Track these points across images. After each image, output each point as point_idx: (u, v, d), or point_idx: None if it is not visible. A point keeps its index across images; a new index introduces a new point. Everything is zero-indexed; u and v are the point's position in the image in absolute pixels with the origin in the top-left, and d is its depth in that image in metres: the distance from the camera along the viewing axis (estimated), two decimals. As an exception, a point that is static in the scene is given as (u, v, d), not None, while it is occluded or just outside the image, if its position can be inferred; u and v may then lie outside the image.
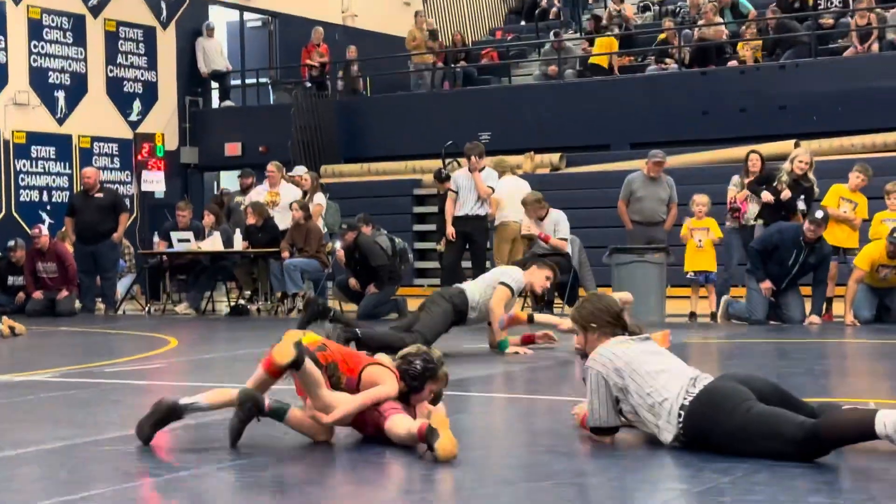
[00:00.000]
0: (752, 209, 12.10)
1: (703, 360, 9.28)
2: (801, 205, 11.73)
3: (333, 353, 5.22)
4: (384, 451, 4.75)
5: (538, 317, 9.19)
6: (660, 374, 4.69)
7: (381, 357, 5.42)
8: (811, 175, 11.97)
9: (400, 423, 4.82)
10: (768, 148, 15.04)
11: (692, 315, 12.04)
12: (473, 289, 8.81)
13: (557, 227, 12.36)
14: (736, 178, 12.47)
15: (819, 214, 10.94)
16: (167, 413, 5.08)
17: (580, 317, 5.02)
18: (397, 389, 5.05)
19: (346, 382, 5.14)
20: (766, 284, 11.17)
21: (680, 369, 4.76)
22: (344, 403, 4.92)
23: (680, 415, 4.58)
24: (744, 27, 18.45)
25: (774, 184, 11.84)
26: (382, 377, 5.09)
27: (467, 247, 12.95)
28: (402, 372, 5.09)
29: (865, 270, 11.02)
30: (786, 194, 11.73)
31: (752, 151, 12.57)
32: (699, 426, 4.54)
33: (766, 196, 11.82)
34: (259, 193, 15.21)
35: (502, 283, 8.72)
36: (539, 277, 8.94)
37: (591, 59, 19.65)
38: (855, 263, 11.17)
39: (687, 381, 4.66)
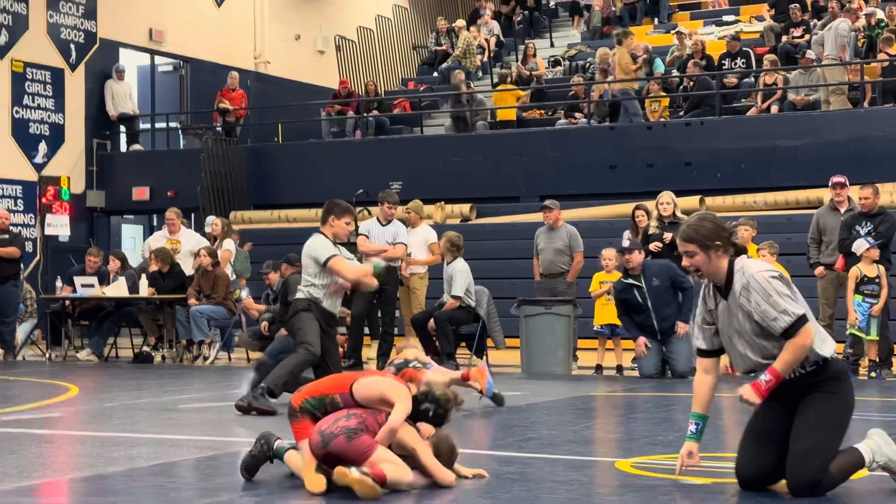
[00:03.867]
0: (638, 259, 12.36)
1: (607, 413, 9.36)
2: None
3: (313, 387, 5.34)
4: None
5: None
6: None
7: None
8: (679, 213, 12.35)
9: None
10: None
11: (598, 368, 12.15)
12: (304, 283, 8.56)
13: (453, 279, 12.31)
14: (627, 234, 12.77)
15: (625, 243, 11.67)
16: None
17: (701, 235, 4.96)
18: (409, 401, 5.14)
19: (341, 400, 5.17)
20: (640, 342, 11.34)
21: None
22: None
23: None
24: (650, 83, 18.80)
25: (650, 233, 12.18)
26: (393, 392, 5.14)
27: (376, 296, 12.89)
28: (423, 411, 5.18)
29: None
30: (667, 236, 12.01)
31: (638, 207, 12.84)
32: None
33: (654, 246, 12.12)
34: (157, 240, 15.05)
35: (331, 257, 8.38)
36: (340, 227, 8.44)
37: (500, 113, 19.86)
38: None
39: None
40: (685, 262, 5.03)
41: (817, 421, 4.79)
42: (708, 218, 5.06)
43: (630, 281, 11.36)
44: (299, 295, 8.60)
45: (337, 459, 4.91)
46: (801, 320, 4.78)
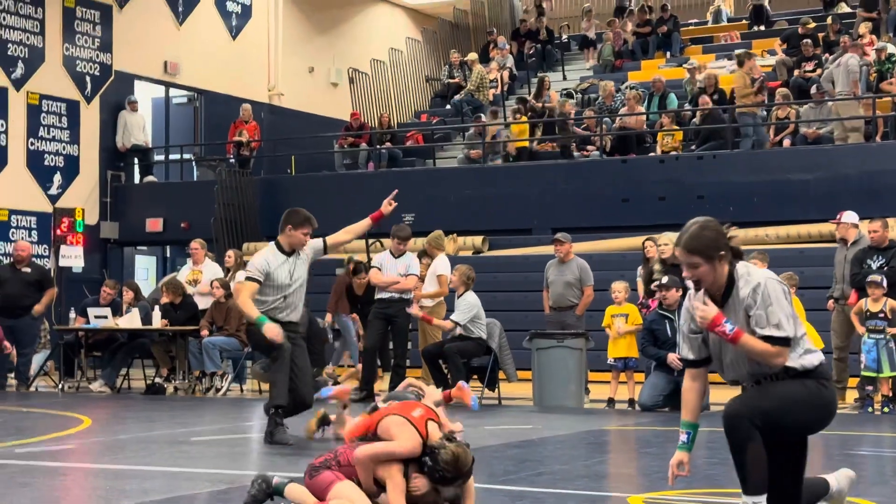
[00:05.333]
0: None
1: (619, 447, 9.35)
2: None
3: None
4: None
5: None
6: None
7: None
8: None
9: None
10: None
11: (610, 401, 12.13)
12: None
13: (458, 307, 12.39)
14: (640, 270, 12.76)
15: (664, 279, 11.44)
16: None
17: (705, 246, 4.68)
18: (413, 446, 5.04)
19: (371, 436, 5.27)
20: (672, 356, 11.29)
21: None
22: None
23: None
24: (662, 118, 18.85)
25: (654, 276, 12.17)
26: (397, 432, 5.11)
27: (389, 329, 12.91)
28: (422, 462, 5.05)
29: None
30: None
31: (648, 239, 12.82)
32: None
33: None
34: (184, 272, 15.19)
35: (246, 278, 8.57)
36: (297, 237, 8.57)
37: (514, 145, 19.92)
38: None
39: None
40: (686, 273, 4.75)
41: (782, 388, 4.64)
42: (709, 226, 4.75)
43: (664, 313, 11.44)
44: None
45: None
46: (786, 342, 4.61)
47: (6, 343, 14.09)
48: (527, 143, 19.86)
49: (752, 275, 4.69)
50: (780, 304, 4.63)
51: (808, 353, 4.71)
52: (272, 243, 8.72)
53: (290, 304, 8.59)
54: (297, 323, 8.72)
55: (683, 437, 4.91)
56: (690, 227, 4.75)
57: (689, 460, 4.92)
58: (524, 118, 20.23)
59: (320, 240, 8.86)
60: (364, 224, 9.11)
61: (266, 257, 8.58)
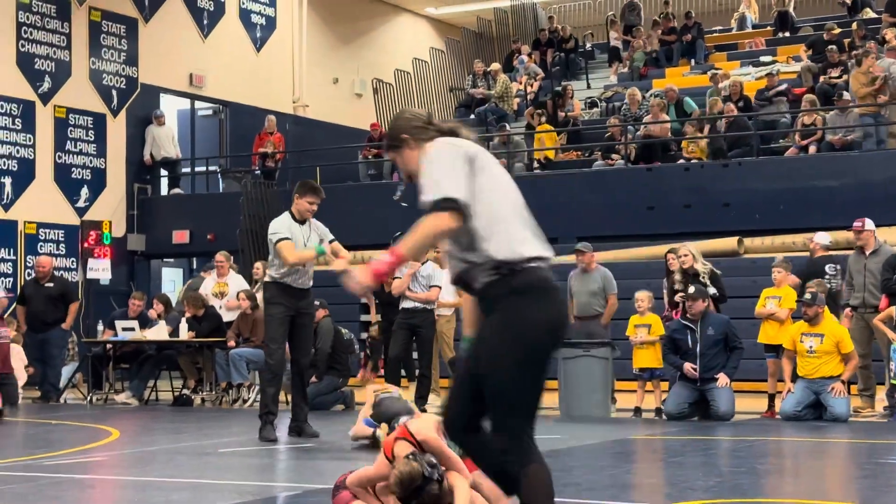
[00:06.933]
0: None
1: (646, 457, 9.32)
2: (710, 290, 11.97)
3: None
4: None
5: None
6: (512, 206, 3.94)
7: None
8: (699, 266, 12.22)
9: None
10: (712, 244, 15.31)
11: (637, 410, 12.10)
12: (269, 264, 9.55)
13: None
14: (665, 283, 12.74)
15: (691, 289, 11.48)
16: None
17: (391, 137, 4.10)
18: (378, 469, 5.08)
19: None
20: (688, 366, 11.31)
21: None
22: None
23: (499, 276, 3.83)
24: (686, 125, 18.81)
25: (675, 287, 12.14)
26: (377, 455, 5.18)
27: (413, 338, 12.92)
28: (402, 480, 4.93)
29: (789, 348, 11.38)
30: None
31: (670, 251, 12.79)
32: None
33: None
34: (208, 283, 15.25)
35: (277, 241, 9.21)
36: (302, 205, 9.35)
37: (536, 154, 19.92)
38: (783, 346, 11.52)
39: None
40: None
41: (488, 355, 3.88)
42: (401, 115, 4.16)
43: (687, 322, 11.43)
44: (267, 278, 9.60)
45: None
46: (444, 203, 3.80)
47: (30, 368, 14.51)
48: (553, 154, 19.85)
49: (435, 143, 4.01)
50: (439, 162, 3.90)
51: (508, 245, 3.91)
52: (286, 212, 9.54)
53: (304, 270, 9.35)
54: (308, 290, 9.43)
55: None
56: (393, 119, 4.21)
57: None
58: (546, 126, 20.21)
59: (330, 235, 9.62)
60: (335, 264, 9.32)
61: (283, 222, 9.38)
